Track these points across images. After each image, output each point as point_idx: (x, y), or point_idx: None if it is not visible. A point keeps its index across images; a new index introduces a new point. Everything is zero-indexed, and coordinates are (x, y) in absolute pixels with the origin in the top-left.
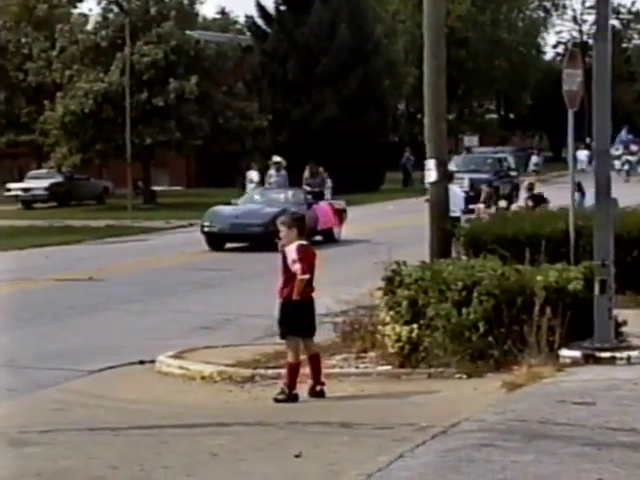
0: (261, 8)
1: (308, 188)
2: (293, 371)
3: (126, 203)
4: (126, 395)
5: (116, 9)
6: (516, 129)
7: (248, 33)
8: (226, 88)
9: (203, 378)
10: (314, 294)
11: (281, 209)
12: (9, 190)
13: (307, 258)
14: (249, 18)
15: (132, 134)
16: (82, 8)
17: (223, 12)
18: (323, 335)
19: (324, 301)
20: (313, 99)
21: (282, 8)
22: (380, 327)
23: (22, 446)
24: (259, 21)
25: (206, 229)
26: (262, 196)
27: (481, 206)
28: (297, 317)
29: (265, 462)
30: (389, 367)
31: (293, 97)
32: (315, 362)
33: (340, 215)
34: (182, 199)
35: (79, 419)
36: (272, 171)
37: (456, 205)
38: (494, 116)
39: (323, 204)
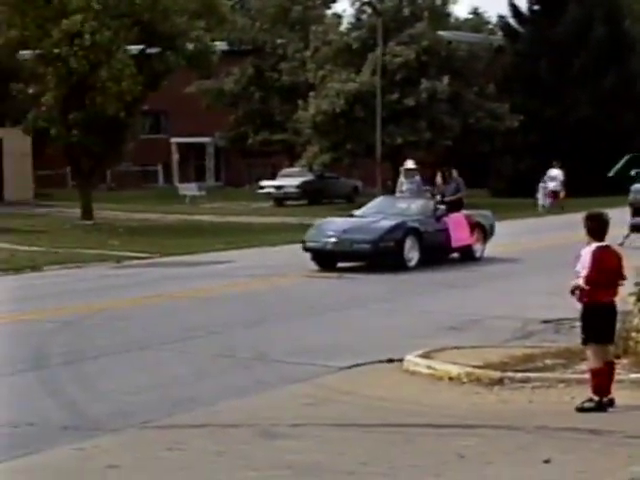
0: (514, 8)
1: (439, 197)
2: (597, 375)
3: None
4: (374, 393)
5: (369, 10)
6: None
7: (500, 33)
8: (477, 89)
9: (451, 379)
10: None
11: (396, 223)
12: (262, 187)
13: (599, 264)
14: (501, 18)
15: (382, 134)
16: (336, 9)
17: (476, 12)
18: (570, 340)
19: (568, 305)
20: (566, 100)
21: (535, 7)
22: (633, 334)
23: (273, 439)
24: (511, 21)
25: (308, 244)
26: (385, 206)
27: None
28: (597, 322)
29: (513, 466)
30: None
31: (545, 97)
32: (609, 370)
33: (482, 229)
34: None
35: (328, 415)
36: (402, 178)
37: None
38: None
39: (457, 216)
